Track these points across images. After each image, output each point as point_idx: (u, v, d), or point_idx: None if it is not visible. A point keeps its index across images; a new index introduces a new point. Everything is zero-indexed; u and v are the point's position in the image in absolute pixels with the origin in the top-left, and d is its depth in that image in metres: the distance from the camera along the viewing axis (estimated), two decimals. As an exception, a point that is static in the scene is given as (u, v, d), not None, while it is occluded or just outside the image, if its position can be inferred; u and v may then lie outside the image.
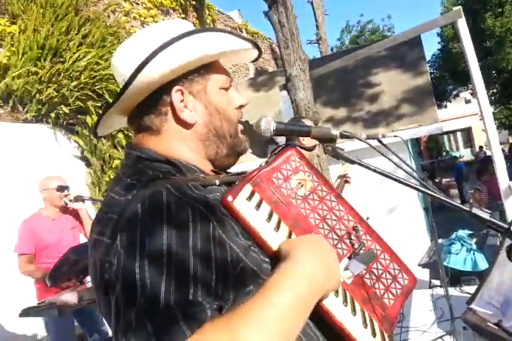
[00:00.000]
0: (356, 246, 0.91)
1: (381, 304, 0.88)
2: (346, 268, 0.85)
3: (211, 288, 0.63)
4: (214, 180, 0.81)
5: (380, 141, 3.06)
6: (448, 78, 19.10)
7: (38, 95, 4.65)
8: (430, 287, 3.30)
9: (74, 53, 4.85)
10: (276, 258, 0.74)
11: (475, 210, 0.86)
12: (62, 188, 3.23)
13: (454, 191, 13.06)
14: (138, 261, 0.62)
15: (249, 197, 0.81)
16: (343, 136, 0.99)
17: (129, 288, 0.62)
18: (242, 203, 0.78)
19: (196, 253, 0.64)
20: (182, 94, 0.85)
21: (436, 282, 3.24)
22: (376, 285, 0.90)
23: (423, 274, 4.07)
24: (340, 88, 7.43)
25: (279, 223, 0.83)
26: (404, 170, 1.06)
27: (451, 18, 4.79)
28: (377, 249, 0.95)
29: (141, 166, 0.81)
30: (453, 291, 2.90)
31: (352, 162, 0.99)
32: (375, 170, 0.97)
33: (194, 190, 0.73)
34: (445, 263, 3.46)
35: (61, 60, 4.84)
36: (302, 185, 0.91)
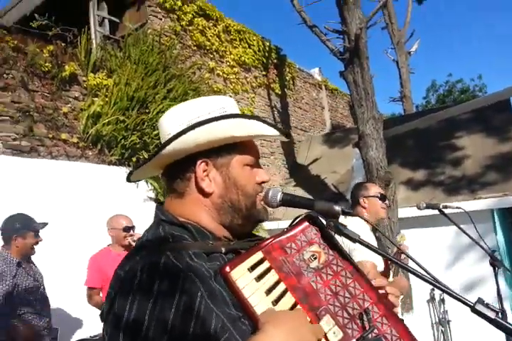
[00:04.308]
0: (367, 328, 0.85)
1: None
2: None
3: None
4: (220, 247, 0.87)
5: (441, 211, 2.81)
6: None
7: (123, 141, 5.12)
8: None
9: (158, 105, 5.30)
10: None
11: (479, 306, 0.77)
12: (128, 229, 3.39)
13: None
14: (121, 332, 0.73)
15: (254, 266, 0.81)
16: (345, 213, 0.95)
17: None
18: (241, 274, 0.79)
19: (173, 332, 0.71)
20: (207, 164, 0.93)
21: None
22: None
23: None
24: (420, 149, 7.14)
25: (282, 294, 0.81)
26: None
27: (540, 83, 4.53)
28: (394, 334, 0.87)
29: (159, 229, 0.91)
30: None
31: (353, 240, 0.94)
32: (375, 251, 0.92)
33: (193, 257, 0.79)
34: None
35: (146, 110, 5.31)
36: (316, 258, 0.89)
